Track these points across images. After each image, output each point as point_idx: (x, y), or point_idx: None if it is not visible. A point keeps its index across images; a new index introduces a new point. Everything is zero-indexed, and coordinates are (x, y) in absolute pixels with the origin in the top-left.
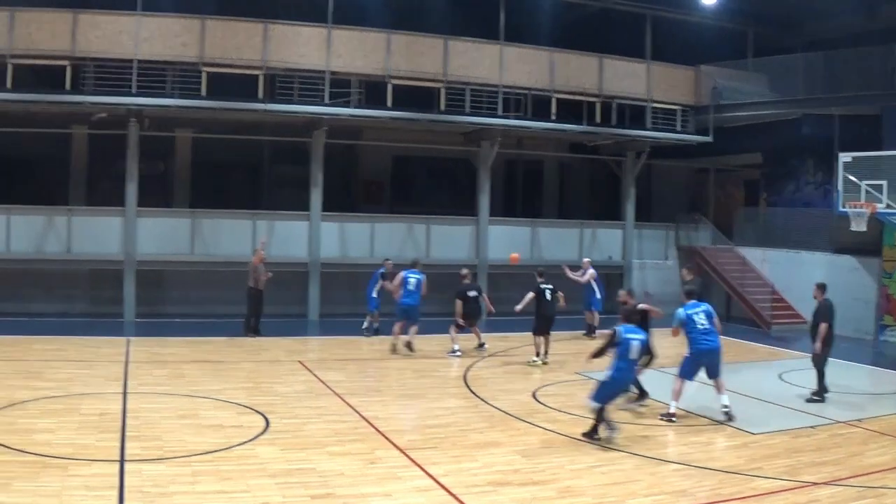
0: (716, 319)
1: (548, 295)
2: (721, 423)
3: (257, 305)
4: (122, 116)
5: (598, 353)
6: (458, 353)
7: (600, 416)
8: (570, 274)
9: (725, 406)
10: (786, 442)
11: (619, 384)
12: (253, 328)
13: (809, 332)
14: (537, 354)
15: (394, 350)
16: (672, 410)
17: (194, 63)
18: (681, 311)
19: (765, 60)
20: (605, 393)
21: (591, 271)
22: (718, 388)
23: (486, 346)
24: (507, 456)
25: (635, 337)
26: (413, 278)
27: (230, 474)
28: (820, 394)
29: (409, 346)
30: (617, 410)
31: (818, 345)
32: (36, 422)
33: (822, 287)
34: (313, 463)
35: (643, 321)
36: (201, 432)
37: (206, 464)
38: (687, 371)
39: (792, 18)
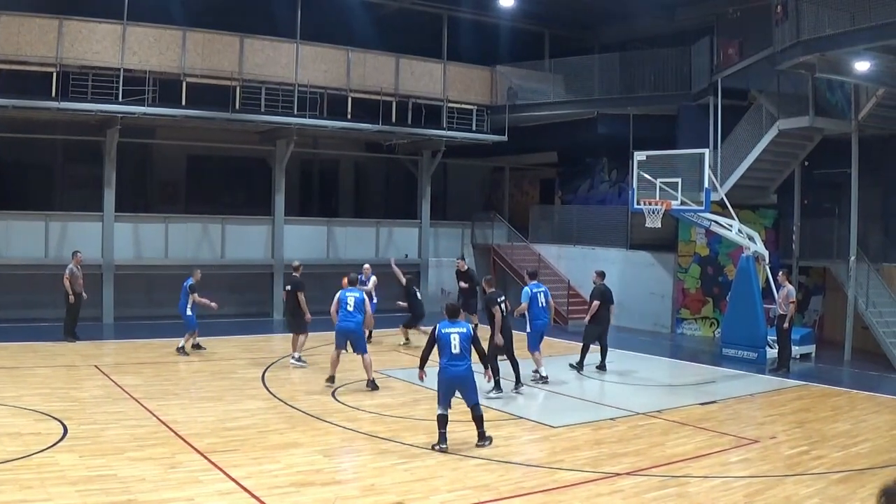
0: (551, 300)
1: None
2: (522, 417)
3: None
4: None
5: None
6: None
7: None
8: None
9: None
10: (587, 434)
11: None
12: (70, 331)
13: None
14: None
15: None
16: (543, 374)
17: None
18: (527, 290)
19: (561, 61)
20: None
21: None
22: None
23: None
24: (309, 456)
25: (453, 331)
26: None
27: (30, 483)
28: (579, 365)
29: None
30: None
31: (587, 318)
32: None
33: (601, 274)
34: (114, 469)
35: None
36: None
37: (5, 473)
38: (535, 343)
39: (588, 21)
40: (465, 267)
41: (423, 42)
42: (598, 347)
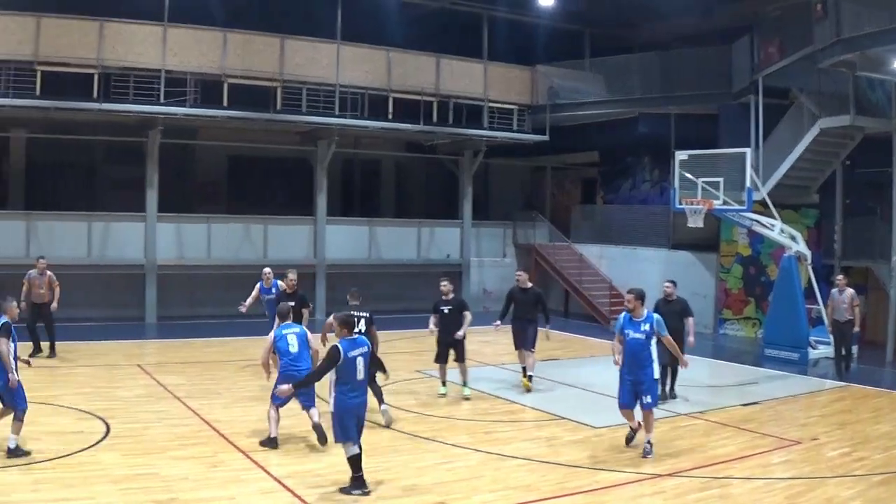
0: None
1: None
2: (564, 418)
3: (29, 323)
4: None
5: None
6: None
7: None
8: None
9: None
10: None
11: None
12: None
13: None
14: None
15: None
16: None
17: (29, 62)
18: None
19: (601, 61)
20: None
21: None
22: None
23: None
24: None
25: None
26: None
27: (72, 481)
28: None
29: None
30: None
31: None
32: None
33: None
34: (156, 468)
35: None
36: (41, 439)
37: (48, 471)
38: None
39: (628, 19)
40: (529, 284)
41: (463, 42)
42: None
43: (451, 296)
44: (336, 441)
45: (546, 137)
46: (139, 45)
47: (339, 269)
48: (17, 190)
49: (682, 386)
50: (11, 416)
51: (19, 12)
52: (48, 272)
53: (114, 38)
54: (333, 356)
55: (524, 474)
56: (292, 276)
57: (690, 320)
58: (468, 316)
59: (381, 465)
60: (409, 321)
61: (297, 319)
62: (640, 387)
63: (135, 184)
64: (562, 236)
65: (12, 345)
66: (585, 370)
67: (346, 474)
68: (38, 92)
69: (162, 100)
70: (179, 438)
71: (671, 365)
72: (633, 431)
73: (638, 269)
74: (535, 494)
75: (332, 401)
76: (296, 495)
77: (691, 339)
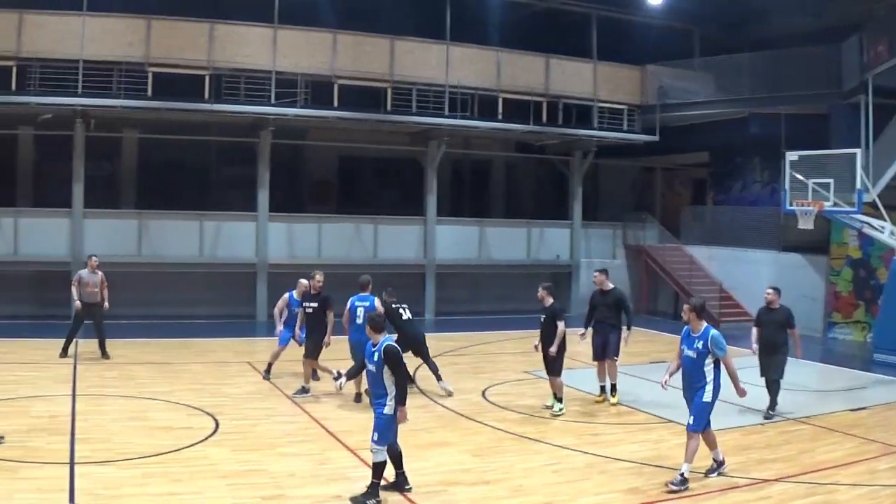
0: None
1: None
2: (671, 421)
3: (76, 322)
4: (68, 117)
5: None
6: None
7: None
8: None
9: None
10: (736, 439)
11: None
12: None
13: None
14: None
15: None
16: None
17: (140, 63)
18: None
19: (711, 60)
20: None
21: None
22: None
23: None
24: (458, 455)
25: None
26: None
27: (181, 476)
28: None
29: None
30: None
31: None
32: None
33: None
34: (264, 464)
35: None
36: (151, 434)
37: (157, 466)
38: None
39: (737, 18)
40: (610, 286)
41: (570, 41)
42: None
43: (545, 302)
44: (379, 444)
45: (656, 138)
46: (249, 46)
47: (449, 269)
48: (130, 190)
49: (790, 390)
50: None
51: (129, 14)
52: (99, 272)
53: (224, 40)
54: (398, 354)
55: (630, 477)
56: (319, 276)
57: (795, 332)
58: (560, 327)
59: (489, 466)
60: (517, 322)
61: (320, 323)
62: (689, 406)
63: (246, 184)
64: (672, 237)
65: None
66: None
67: (451, 474)
68: (149, 93)
69: (273, 101)
70: (287, 435)
71: (770, 378)
72: (716, 462)
73: (748, 272)
74: (641, 498)
75: (388, 403)
76: (402, 494)
77: (799, 352)
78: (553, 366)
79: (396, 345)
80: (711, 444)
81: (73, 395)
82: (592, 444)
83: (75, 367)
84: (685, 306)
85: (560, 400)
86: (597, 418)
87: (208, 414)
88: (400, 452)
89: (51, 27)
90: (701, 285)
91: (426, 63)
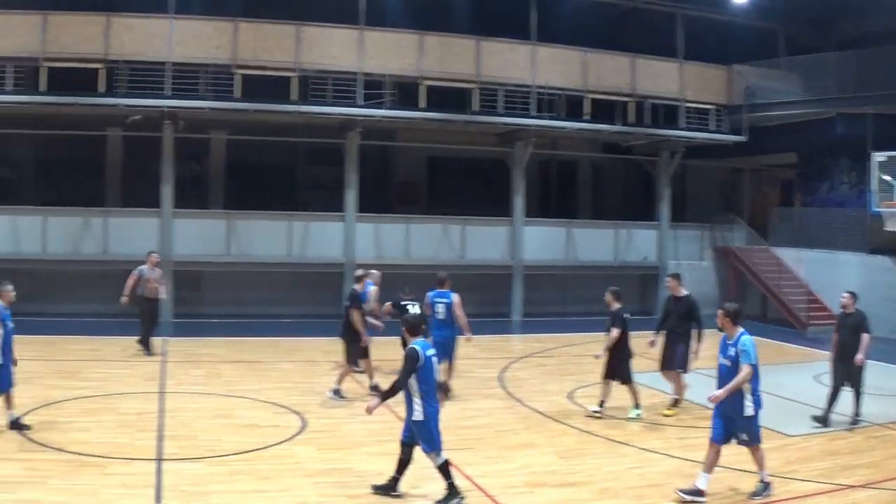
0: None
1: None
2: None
3: (145, 315)
4: (156, 118)
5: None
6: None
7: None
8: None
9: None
10: (821, 444)
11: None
12: (145, 341)
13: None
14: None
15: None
16: None
17: (227, 65)
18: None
19: (796, 59)
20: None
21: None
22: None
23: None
24: (544, 457)
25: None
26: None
27: (267, 474)
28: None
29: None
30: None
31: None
32: (73, 421)
33: (853, 295)
34: (350, 463)
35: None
36: (238, 432)
37: (243, 463)
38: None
39: (823, 17)
40: (683, 292)
41: (655, 41)
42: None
43: (611, 306)
44: (430, 450)
45: (743, 138)
46: (336, 47)
47: (536, 269)
48: (218, 190)
49: (874, 395)
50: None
51: (216, 17)
52: (158, 268)
53: (311, 42)
54: (413, 357)
55: (715, 483)
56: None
57: (865, 337)
58: (613, 333)
59: (576, 468)
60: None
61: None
62: (732, 424)
63: (334, 184)
64: (760, 239)
65: (1, 330)
66: (779, 377)
67: (536, 475)
68: (237, 94)
69: (360, 102)
70: (374, 435)
71: (848, 385)
72: (762, 483)
73: (836, 274)
74: (725, 502)
75: (419, 409)
76: (487, 494)
77: (860, 356)
78: (619, 373)
79: (419, 348)
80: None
81: (161, 393)
82: (679, 448)
83: (163, 365)
84: (719, 311)
85: (637, 406)
86: (683, 422)
87: (295, 412)
88: (409, 460)
89: (138, 30)
90: (789, 288)
91: (513, 63)
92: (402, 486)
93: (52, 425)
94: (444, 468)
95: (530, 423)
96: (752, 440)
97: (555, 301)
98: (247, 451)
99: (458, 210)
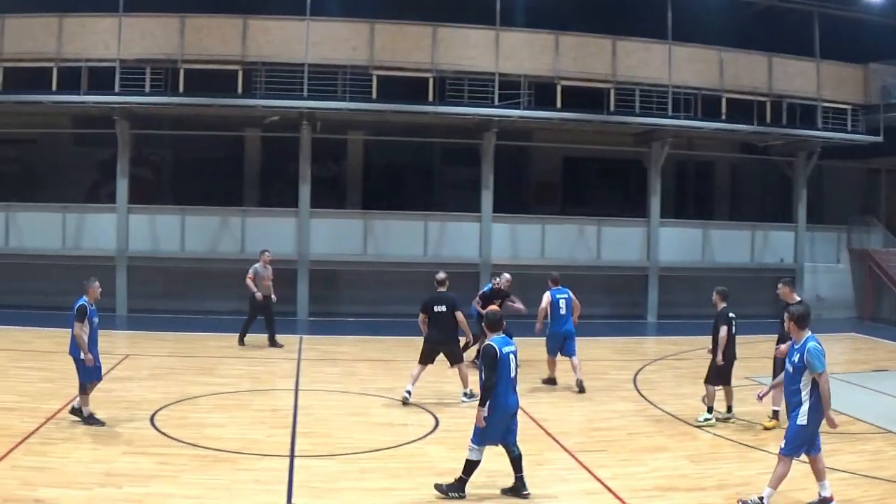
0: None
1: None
2: (892, 431)
3: (253, 313)
4: (294, 119)
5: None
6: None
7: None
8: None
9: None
10: None
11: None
12: (241, 337)
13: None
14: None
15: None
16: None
17: (364, 66)
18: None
19: None
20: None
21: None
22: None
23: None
24: (675, 461)
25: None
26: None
27: (398, 472)
28: None
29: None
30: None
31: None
32: (208, 416)
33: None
34: (481, 462)
35: None
36: (371, 430)
37: (375, 461)
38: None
39: None
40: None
41: (790, 39)
42: None
43: (717, 306)
44: (474, 443)
45: (880, 138)
46: (472, 48)
47: (672, 271)
48: (355, 190)
49: None
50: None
51: (353, 19)
52: (270, 266)
53: (447, 43)
54: (491, 354)
55: (846, 488)
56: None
57: None
58: (721, 333)
59: (707, 472)
60: (740, 326)
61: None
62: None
63: (470, 184)
64: None
65: (87, 326)
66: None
67: (667, 479)
68: (374, 96)
69: (496, 102)
70: None
71: None
72: (821, 498)
73: None
74: None
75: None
76: (618, 497)
77: None
78: (721, 374)
79: (496, 345)
80: (818, 475)
81: (296, 390)
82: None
83: (299, 363)
84: (785, 315)
85: (710, 410)
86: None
87: (429, 411)
88: (520, 456)
89: (275, 32)
90: None
91: (649, 63)
92: (533, 487)
93: (186, 421)
94: (470, 465)
95: (662, 427)
96: (787, 450)
97: (690, 303)
98: (379, 450)
99: (593, 211)
